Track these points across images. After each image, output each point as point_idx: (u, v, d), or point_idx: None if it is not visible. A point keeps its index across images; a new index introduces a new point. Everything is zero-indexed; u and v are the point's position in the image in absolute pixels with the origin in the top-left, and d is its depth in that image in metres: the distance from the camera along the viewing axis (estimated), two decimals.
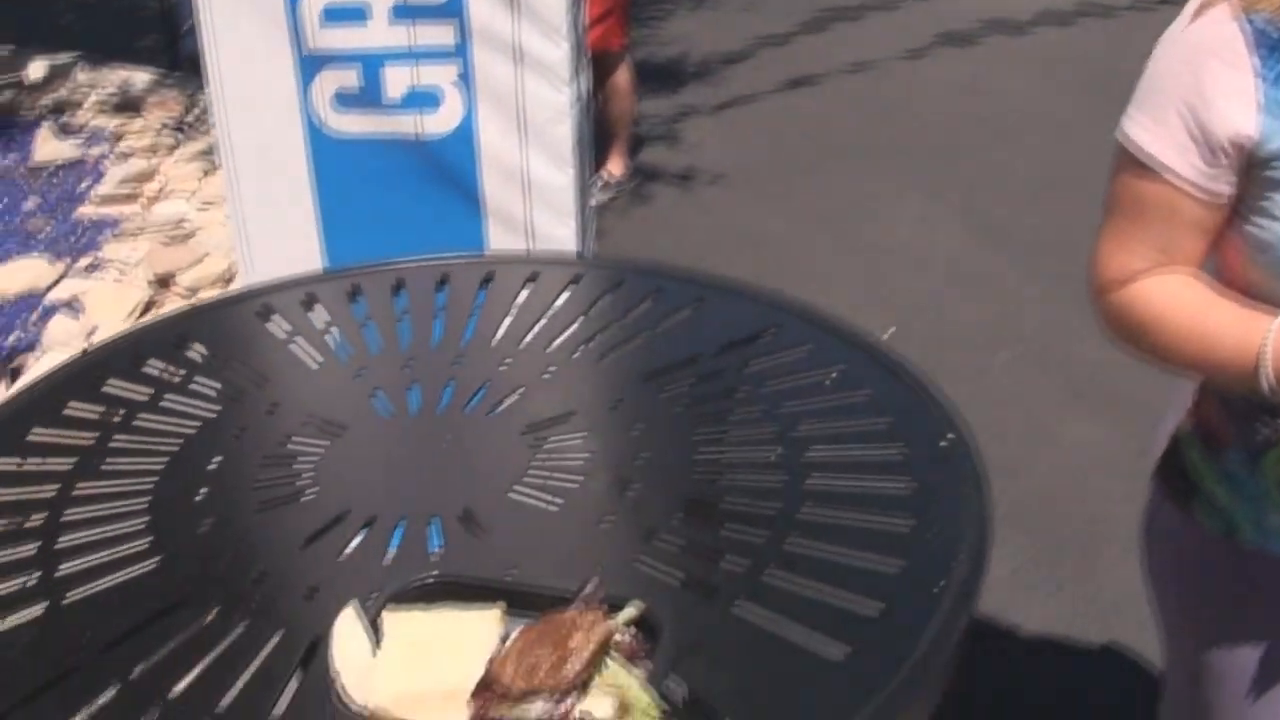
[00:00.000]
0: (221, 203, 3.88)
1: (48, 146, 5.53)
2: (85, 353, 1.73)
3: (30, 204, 5.14)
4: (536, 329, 1.74)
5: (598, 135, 4.56)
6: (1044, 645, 3.02)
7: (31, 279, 4.49)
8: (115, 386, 1.62)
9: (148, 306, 4.23)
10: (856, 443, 1.44)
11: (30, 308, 4.32)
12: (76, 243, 4.81)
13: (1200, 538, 1.56)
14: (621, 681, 0.96)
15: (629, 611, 1.05)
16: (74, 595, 1.23)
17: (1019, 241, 5.25)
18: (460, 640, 1.04)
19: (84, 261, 4.66)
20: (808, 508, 1.33)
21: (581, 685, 0.95)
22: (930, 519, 1.30)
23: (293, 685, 1.10)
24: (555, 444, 1.47)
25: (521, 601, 1.10)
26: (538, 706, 0.95)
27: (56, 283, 4.49)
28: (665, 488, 1.38)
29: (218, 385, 1.62)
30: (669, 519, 1.32)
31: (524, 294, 1.84)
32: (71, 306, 4.30)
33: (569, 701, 0.95)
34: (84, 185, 5.29)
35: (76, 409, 1.57)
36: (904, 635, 1.13)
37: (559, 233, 2.89)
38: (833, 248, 5.33)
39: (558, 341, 1.71)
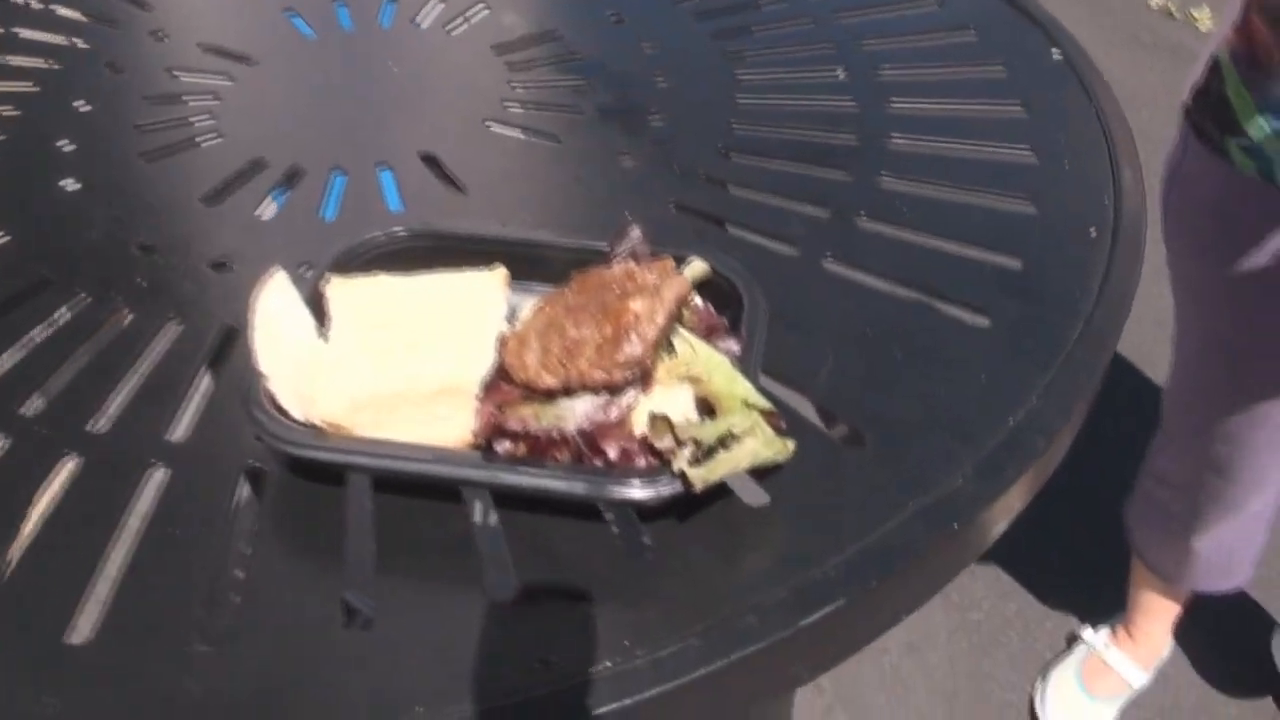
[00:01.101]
0: None
1: None
2: None
3: None
4: None
5: None
6: None
7: None
8: None
9: None
10: (941, 61, 1.09)
11: None
12: None
13: (1231, 180, 1.26)
14: (703, 367, 0.63)
15: (696, 267, 0.71)
16: None
17: None
18: (447, 317, 0.69)
19: None
20: (897, 136, 0.98)
21: (644, 374, 0.62)
22: (1057, 148, 0.96)
23: (199, 393, 0.76)
24: (540, 68, 1.09)
25: (526, 267, 0.75)
26: (581, 407, 0.61)
27: None
28: (699, 116, 1.02)
29: (82, 11, 1.21)
30: (712, 154, 0.96)
31: None
32: None
33: (627, 398, 0.62)
34: None
35: None
36: (1062, 291, 0.81)
37: None
38: None
39: None
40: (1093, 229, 0.87)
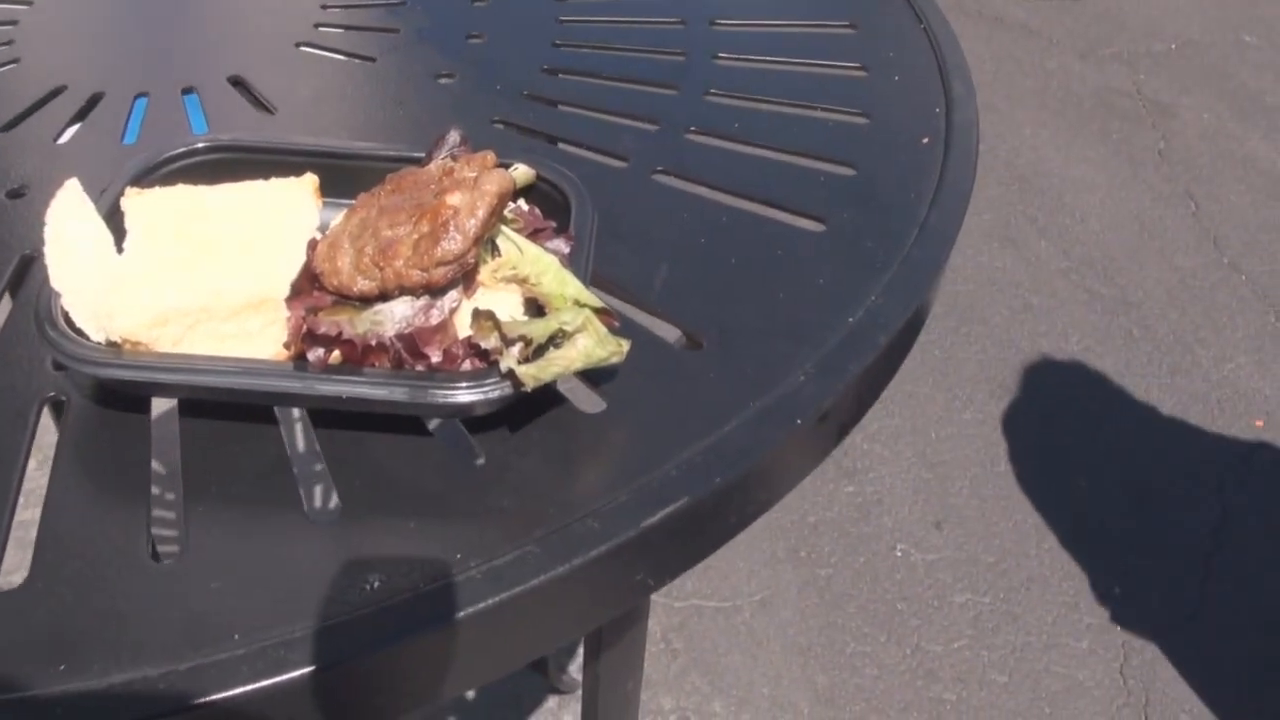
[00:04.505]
0: None
1: None
2: None
3: None
4: None
5: None
6: None
7: None
8: None
9: None
10: None
11: None
12: None
13: None
14: (530, 268, 0.59)
15: (522, 171, 0.67)
16: None
17: None
18: (253, 226, 0.64)
19: None
20: (726, 55, 0.96)
21: (465, 275, 0.58)
22: (888, 65, 0.95)
23: None
24: None
25: (340, 181, 0.70)
26: (400, 311, 0.57)
27: None
28: (522, 35, 0.98)
29: None
30: (536, 73, 0.93)
31: None
32: None
33: (449, 300, 0.58)
34: None
35: None
36: (897, 196, 0.79)
37: None
38: None
39: None
40: (925, 138, 0.86)
